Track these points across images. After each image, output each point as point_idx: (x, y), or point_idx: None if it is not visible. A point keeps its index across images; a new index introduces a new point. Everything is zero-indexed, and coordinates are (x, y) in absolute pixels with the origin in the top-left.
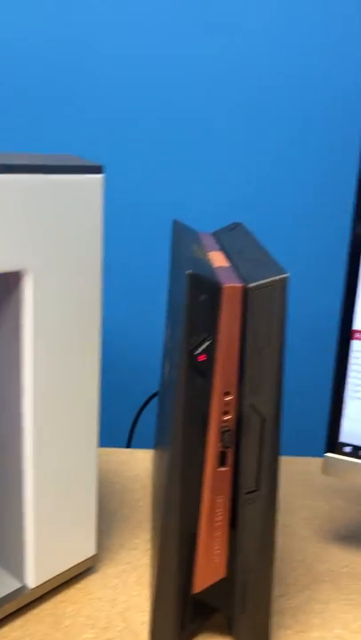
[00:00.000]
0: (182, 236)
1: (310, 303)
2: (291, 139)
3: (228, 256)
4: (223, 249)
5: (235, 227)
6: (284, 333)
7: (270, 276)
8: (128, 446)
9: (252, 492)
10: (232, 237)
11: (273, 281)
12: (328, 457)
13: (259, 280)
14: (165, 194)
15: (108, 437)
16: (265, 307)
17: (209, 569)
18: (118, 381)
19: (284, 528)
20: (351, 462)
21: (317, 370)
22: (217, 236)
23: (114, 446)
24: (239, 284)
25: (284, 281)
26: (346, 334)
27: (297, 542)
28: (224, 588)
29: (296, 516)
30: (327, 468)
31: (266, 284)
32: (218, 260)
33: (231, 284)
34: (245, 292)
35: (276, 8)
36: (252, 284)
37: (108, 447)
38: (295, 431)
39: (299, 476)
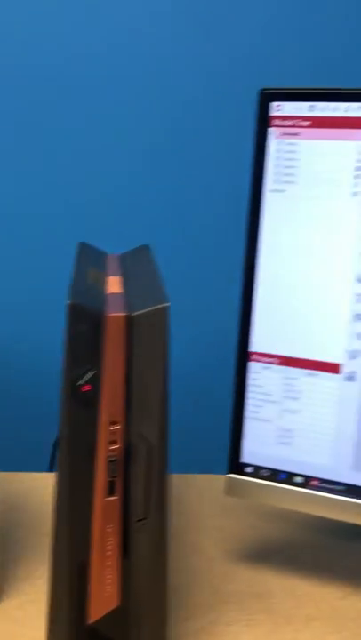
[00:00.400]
0: (83, 260)
1: (212, 326)
2: (193, 163)
3: (125, 281)
4: (124, 273)
5: (141, 249)
6: (167, 361)
7: (153, 304)
8: (51, 470)
9: (142, 519)
10: (135, 261)
11: (154, 310)
12: (230, 477)
13: (142, 309)
14: (80, 215)
15: (29, 461)
16: (148, 335)
17: (102, 598)
18: (40, 404)
19: (193, 549)
20: (253, 482)
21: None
22: (123, 258)
23: (36, 470)
24: (122, 314)
25: (164, 310)
26: (243, 356)
27: (205, 563)
28: (119, 617)
29: (206, 535)
30: (230, 489)
31: (147, 312)
32: (114, 285)
33: (115, 313)
34: (129, 321)
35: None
36: (134, 313)
37: (28, 472)
38: (206, 449)
39: (210, 494)
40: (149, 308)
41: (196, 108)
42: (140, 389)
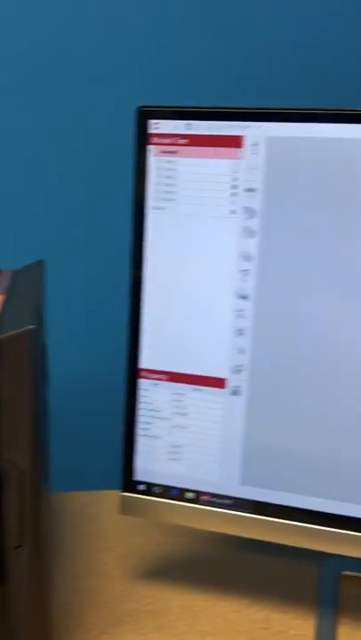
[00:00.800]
0: None
1: (104, 343)
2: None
3: (7, 301)
4: (8, 292)
5: (36, 266)
6: (36, 384)
7: (19, 327)
8: None
9: (19, 547)
10: (25, 278)
11: (19, 333)
12: (124, 496)
13: (9, 332)
14: None
15: None
16: (13, 359)
17: None
18: None
19: (96, 568)
20: (146, 500)
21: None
22: (15, 275)
23: None
24: None
25: (30, 333)
26: (133, 373)
27: (106, 582)
28: None
29: (110, 553)
30: (124, 508)
31: (11, 336)
32: None
33: None
34: None
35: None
36: (1, 336)
37: None
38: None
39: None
40: (14, 332)
41: (83, 123)
42: (9, 415)
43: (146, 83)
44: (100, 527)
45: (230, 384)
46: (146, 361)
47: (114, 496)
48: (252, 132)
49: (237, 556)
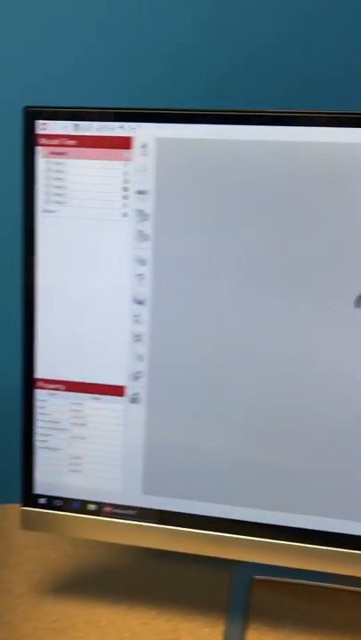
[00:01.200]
0: None
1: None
2: None
3: None
4: None
5: None
6: None
7: None
8: None
9: None
10: None
11: None
12: (24, 511)
13: None
14: None
15: None
16: None
17: None
18: None
19: (0, 585)
20: (47, 514)
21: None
22: None
23: None
24: None
25: None
26: (28, 384)
27: (10, 600)
28: None
29: (17, 569)
30: (26, 523)
31: None
32: None
33: None
34: None
35: None
36: None
37: None
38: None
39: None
40: None
41: None
42: None
43: (34, 83)
44: (10, 542)
45: (129, 391)
46: (42, 370)
47: (14, 509)
48: (141, 133)
49: (152, 565)
